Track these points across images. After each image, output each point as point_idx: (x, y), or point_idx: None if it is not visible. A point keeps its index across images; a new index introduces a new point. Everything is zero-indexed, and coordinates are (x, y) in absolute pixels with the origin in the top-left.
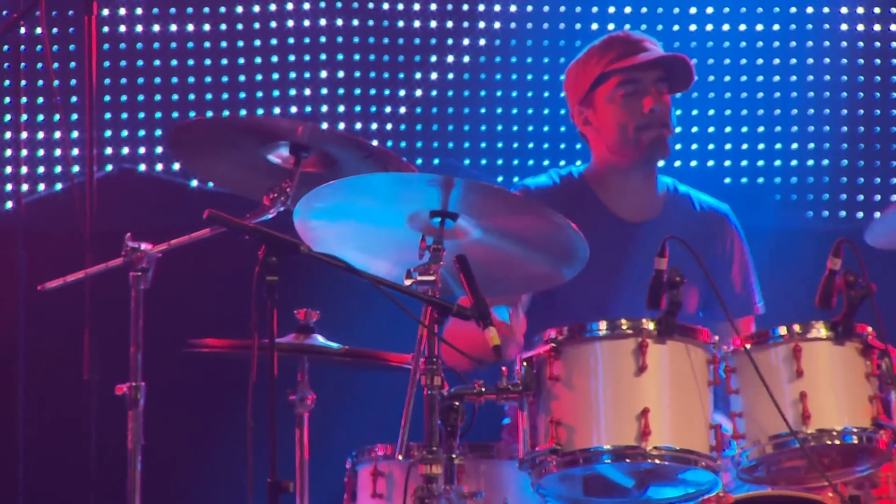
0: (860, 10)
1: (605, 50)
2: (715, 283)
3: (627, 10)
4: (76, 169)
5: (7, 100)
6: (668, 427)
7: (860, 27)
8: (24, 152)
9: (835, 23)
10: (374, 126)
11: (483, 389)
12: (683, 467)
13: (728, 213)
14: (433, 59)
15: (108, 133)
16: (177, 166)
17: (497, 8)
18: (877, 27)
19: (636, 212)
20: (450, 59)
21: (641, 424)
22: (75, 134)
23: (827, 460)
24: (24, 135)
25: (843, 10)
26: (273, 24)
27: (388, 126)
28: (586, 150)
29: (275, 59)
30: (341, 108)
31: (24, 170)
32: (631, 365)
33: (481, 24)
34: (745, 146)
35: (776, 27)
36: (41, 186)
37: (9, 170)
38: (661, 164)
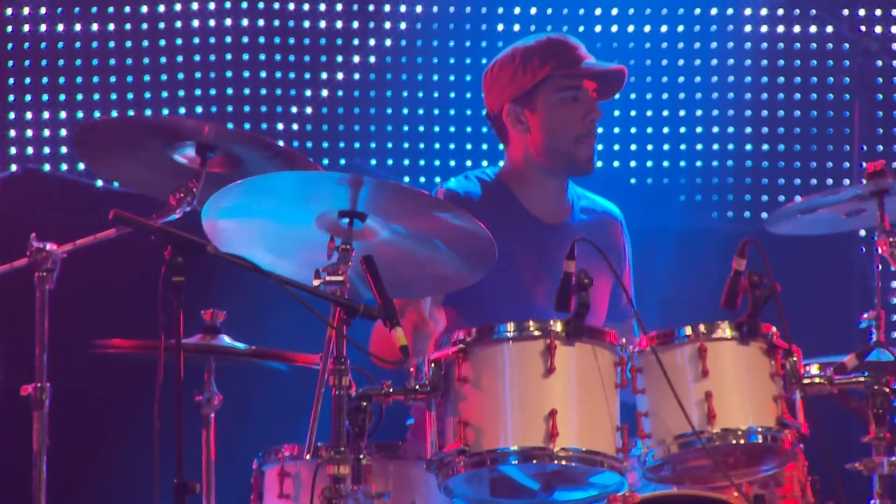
0: (763, 12)
1: (550, 53)
2: (624, 285)
3: (533, 10)
4: None
5: None
6: (575, 428)
7: (763, 28)
8: None
9: (738, 24)
10: (281, 126)
11: (391, 390)
12: (590, 469)
13: (622, 220)
14: (339, 59)
15: (13, 133)
16: (82, 166)
17: (403, 8)
18: (780, 28)
19: (552, 214)
20: (356, 59)
21: (549, 426)
22: None
23: (732, 460)
24: None
25: (747, 11)
26: (178, 24)
27: (295, 126)
28: (493, 151)
29: (180, 59)
30: (247, 108)
31: None
32: (539, 366)
33: (387, 25)
34: (650, 147)
35: (680, 28)
36: None
37: None
38: None
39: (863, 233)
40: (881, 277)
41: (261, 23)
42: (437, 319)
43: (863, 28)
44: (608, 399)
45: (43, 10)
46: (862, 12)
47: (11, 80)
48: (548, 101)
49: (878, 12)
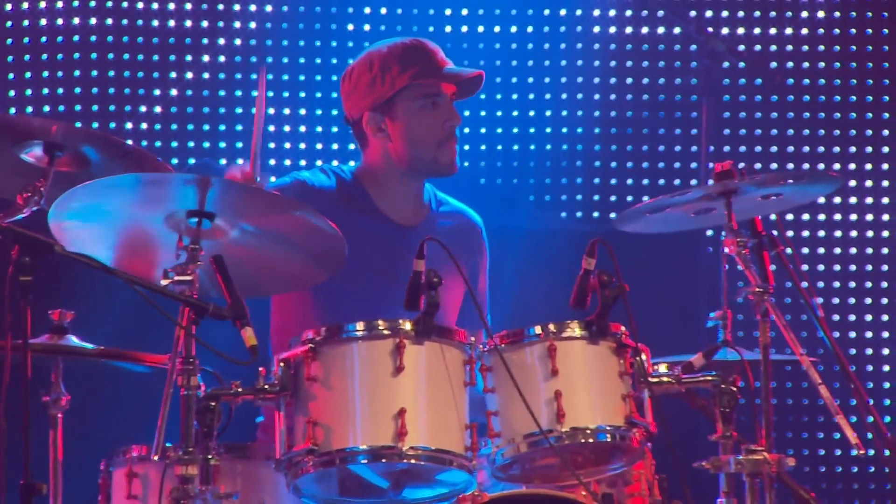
0: (612, 13)
1: (408, 60)
2: (472, 288)
3: (383, 10)
4: None
5: None
6: (424, 427)
7: (612, 29)
8: None
9: (587, 25)
10: (129, 125)
11: (240, 390)
12: (439, 467)
13: (482, 225)
14: (188, 58)
15: None
16: None
17: (253, 8)
18: (628, 29)
19: (408, 216)
20: (205, 58)
21: (398, 425)
22: None
23: (581, 458)
24: None
25: (596, 12)
26: (26, 23)
27: (143, 125)
28: (344, 150)
29: (28, 57)
30: (96, 108)
31: None
32: (388, 365)
33: (237, 24)
34: (499, 147)
35: (530, 29)
36: None
37: None
38: None
39: (710, 232)
40: (728, 277)
41: (109, 21)
42: None
43: (710, 29)
44: (457, 398)
45: None
46: (709, 13)
47: None
48: (408, 109)
49: (725, 13)
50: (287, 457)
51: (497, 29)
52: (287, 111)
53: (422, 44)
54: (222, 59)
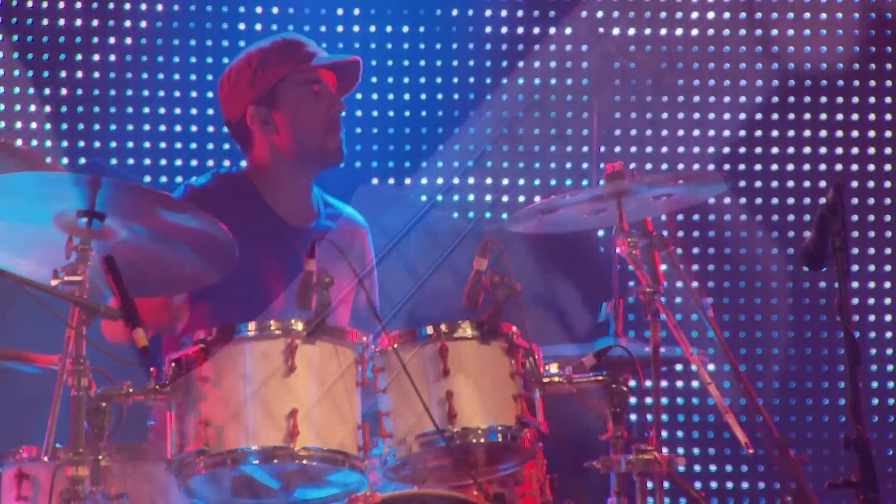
0: (504, 14)
1: (286, 52)
2: (366, 287)
3: (275, 10)
4: None
5: None
6: (315, 427)
7: (503, 29)
8: None
9: (478, 25)
10: (19, 125)
11: (131, 390)
12: (331, 468)
13: (368, 228)
14: (78, 57)
15: None
16: None
17: (143, 7)
18: (519, 30)
19: (298, 216)
20: (95, 57)
21: (290, 425)
22: None
23: (473, 458)
24: None
25: (487, 12)
26: None
27: (34, 125)
28: (235, 150)
29: None
30: None
31: None
32: (280, 366)
33: (127, 23)
34: (391, 147)
35: (422, 29)
36: None
37: None
38: None
39: (601, 233)
40: (619, 277)
41: None
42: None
43: (601, 30)
44: (349, 398)
45: None
46: (599, 14)
47: None
48: (291, 98)
49: (616, 14)
50: (178, 458)
51: (389, 29)
52: (178, 111)
53: (297, 37)
54: (113, 58)
